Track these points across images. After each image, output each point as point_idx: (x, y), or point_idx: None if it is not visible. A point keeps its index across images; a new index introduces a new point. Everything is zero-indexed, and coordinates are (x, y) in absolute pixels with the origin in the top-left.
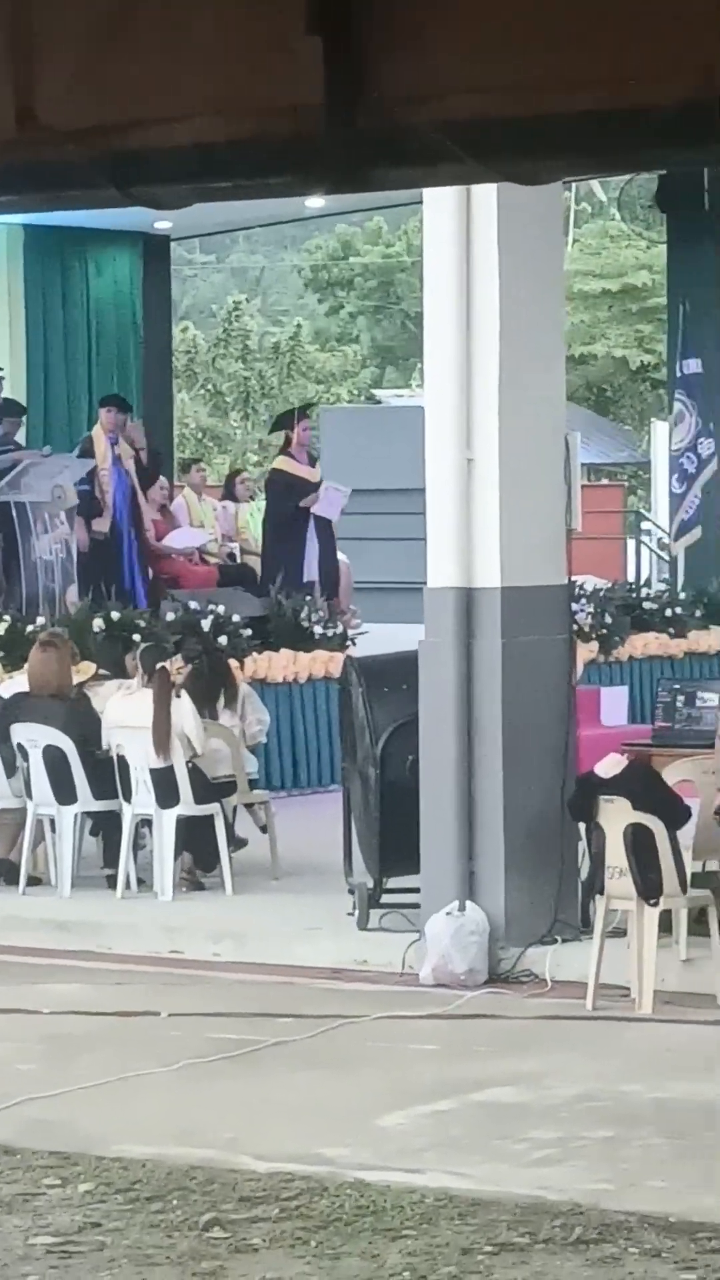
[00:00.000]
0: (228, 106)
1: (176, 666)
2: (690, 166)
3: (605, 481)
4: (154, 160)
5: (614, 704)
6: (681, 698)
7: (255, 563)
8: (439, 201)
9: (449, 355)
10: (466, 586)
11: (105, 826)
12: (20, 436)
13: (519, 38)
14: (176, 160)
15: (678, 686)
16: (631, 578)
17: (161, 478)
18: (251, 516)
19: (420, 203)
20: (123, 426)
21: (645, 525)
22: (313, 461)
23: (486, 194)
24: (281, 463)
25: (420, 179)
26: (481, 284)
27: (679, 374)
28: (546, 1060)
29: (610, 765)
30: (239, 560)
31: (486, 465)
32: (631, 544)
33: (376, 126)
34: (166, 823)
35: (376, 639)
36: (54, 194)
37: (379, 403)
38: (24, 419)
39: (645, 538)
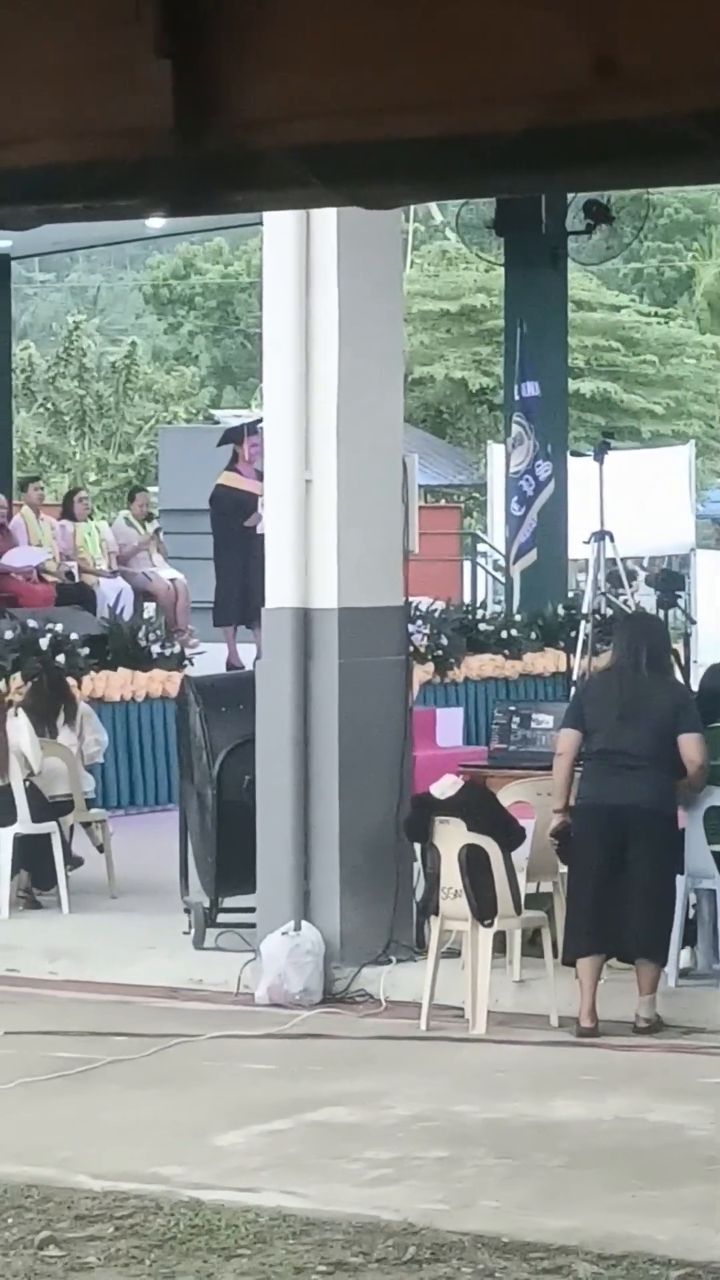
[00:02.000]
0: (75, 129)
1: (15, 685)
2: (534, 192)
3: (442, 503)
4: (6, 181)
5: (449, 725)
6: (517, 719)
7: (92, 581)
8: (279, 222)
9: (288, 375)
10: (304, 607)
11: None
12: None
13: (369, 60)
14: (23, 182)
15: (513, 708)
16: (468, 599)
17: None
18: (90, 535)
19: (261, 223)
20: None
21: (481, 547)
22: (259, 477)
23: (326, 215)
24: (227, 478)
25: (269, 202)
26: (320, 304)
27: (517, 396)
28: (382, 1080)
29: (446, 786)
30: (77, 579)
31: (325, 486)
32: (468, 565)
33: (225, 150)
34: (3, 841)
35: (213, 659)
36: None
37: (217, 423)
38: None
39: (481, 559)
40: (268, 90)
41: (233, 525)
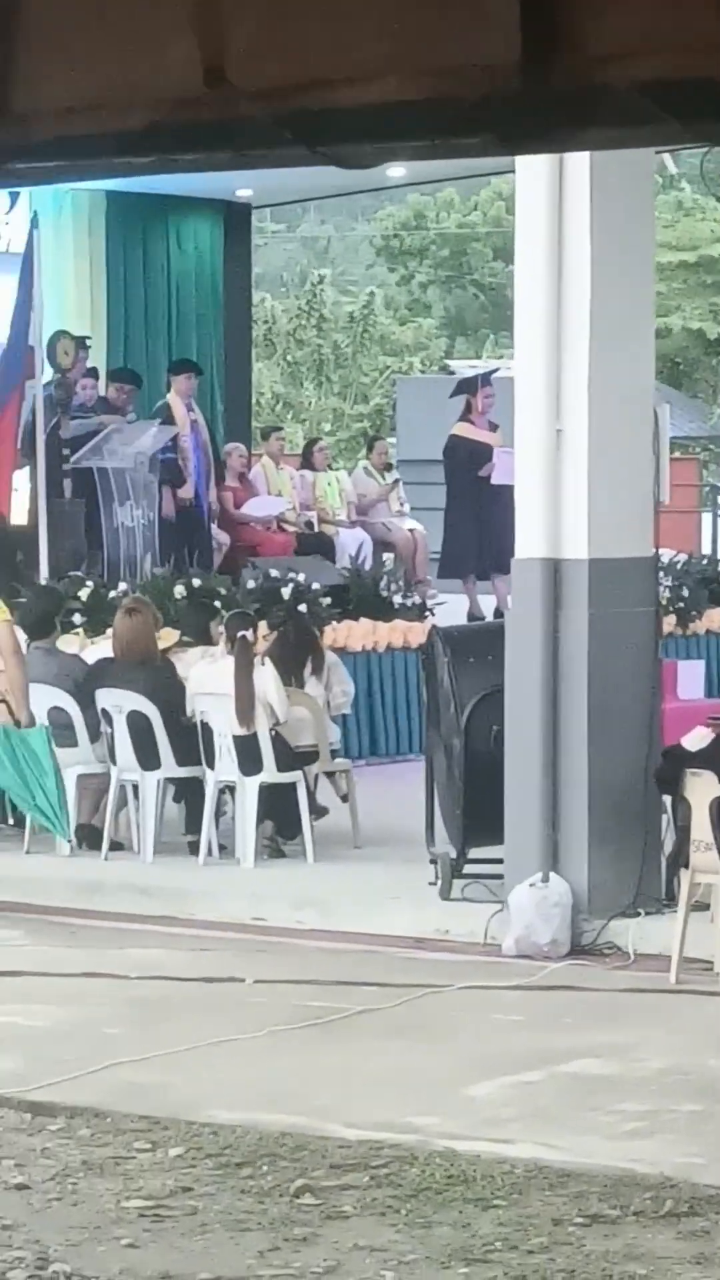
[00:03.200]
0: (419, 65)
1: (263, 634)
2: None
3: (679, 454)
4: (344, 119)
5: (691, 677)
6: None
7: (333, 532)
8: (532, 171)
9: (539, 325)
10: (554, 557)
11: (188, 793)
12: (134, 406)
13: None
14: (364, 119)
15: None
16: (707, 551)
17: (240, 445)
18: (329, 486)
19: (494, 173)
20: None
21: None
22: (492, 428)
23: (579, 163)
24: (460, 429)
25: (616, 140)
26: (572, 255)
27: None
28: (632, 1033)
29: (697, 738)
30: (316, 529)
31: (575, 436)
32: (708, 517)
33: (572, 86)
34: (249, 790)
35: (453, 609)
36: (240, 152)
37: (452, 373)
38: (137, 388)
39: None
40: (615, 24)
41: (467, 476)
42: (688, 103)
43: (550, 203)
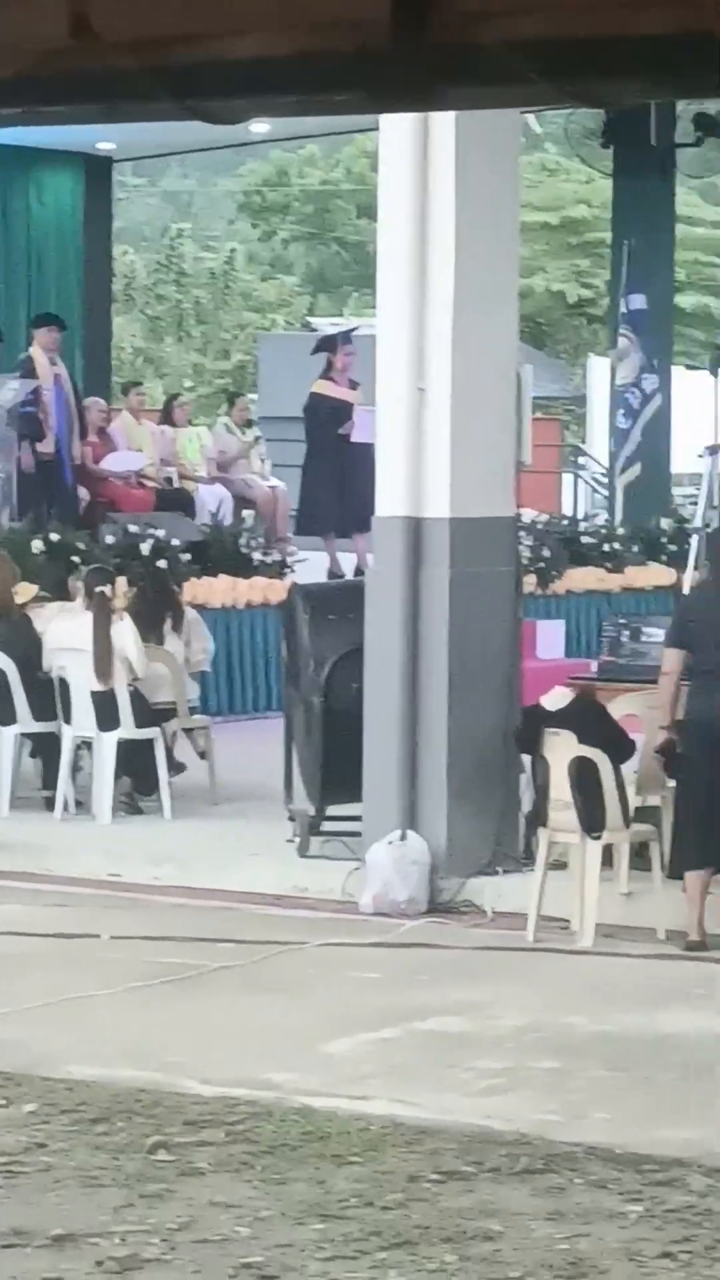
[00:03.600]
0: (290, 20)
1: (122, 590)
2: None
3: (541, 415)
4: (213, 74)
5: (550, 637)
6: (627, 633)
7: (192, 488)
8: (396, 129)
9: (402, 285)
10: (415, 516)
11: (44, 748)
12: None
13: None
14: (235, 75)
15: (623, 621)
16: (568, 511)
17: (99, 400)
18: (190, 442)
19: (357, 130)
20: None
21: (581, 460)
22: (353, 386)
23: (444, 123)
24: (321, 386)
25: (487, 99)
26: (436, 214)
27: (624, 309)
28: (489, 990)
29: (557, 698)
30: (176, 485)
31: (438, 395)
32: (568, 478)
33: (445, 43)
34: (106, 745)
35: (314, 566)
36: (108, 105)
37: (314, 330)
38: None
39: (582, 472)
40: None
41: (327, 433)
42: (560, 63)
43: (415, 161)
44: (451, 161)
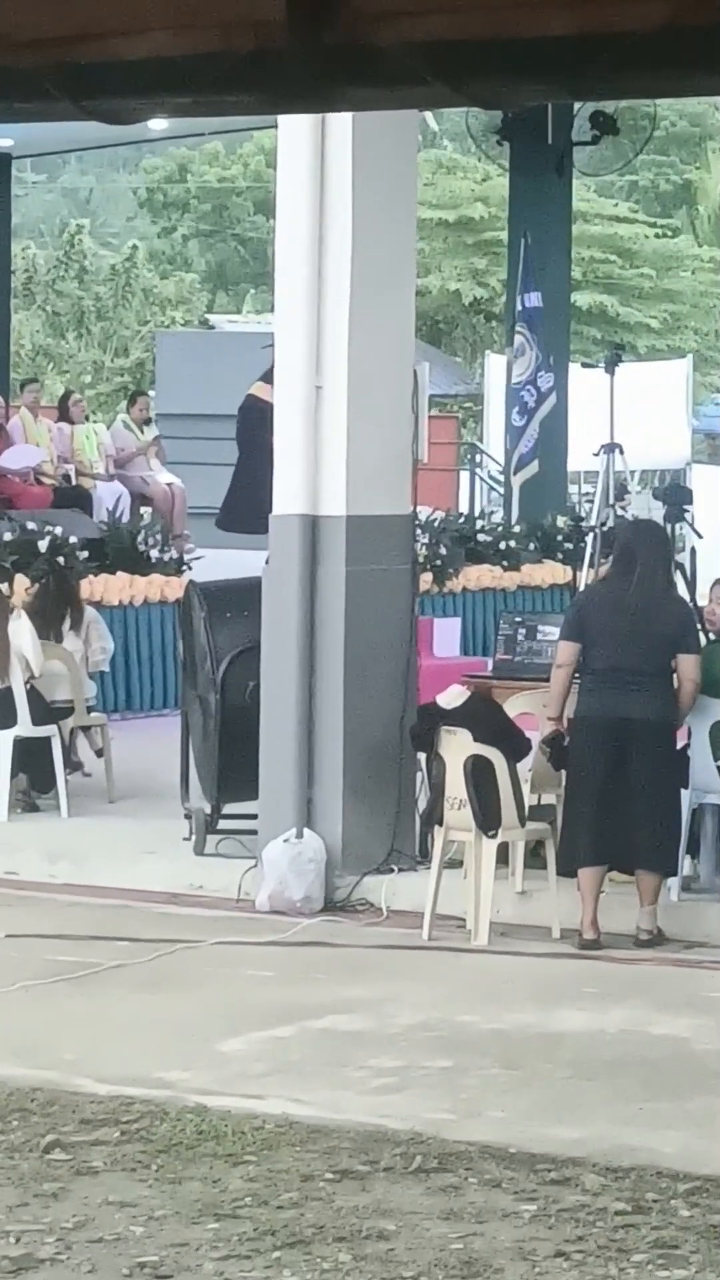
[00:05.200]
0: (186, 20)
1: (23, 587)
2: (669, 95)
3: (438, 413)
4: (110, 74)
5: (447, 635)
6: (523, 631)
7: (90, 485)
8: (294, 126)
9: (300, 282)
10: (312, 514)
11: None
12: None
13: None
14: (131, 75)
15: (519, 619)
16: (465, 509)
17: None
18: (88, 439)
19: (256, 128)
20: None
21: (479, 458)
22: None
23: (342, 120)
24: (257, 389)
25: (387, 100)
26: (334, 212)
27: (520, 307)
28: (384, 988)
29: (452, 696)
30: (74, 482)
31: (335, 393)
32: (465, 476)
33: (343, 44)
34: (3, 743)
35: (210, 564)
36: (4, 104)
37: (213, 327)
38: None
39: (479, 470)
40: None
41: (256, 438)
42: (456, 65)
43: (312, 158)
44: (348, 159)
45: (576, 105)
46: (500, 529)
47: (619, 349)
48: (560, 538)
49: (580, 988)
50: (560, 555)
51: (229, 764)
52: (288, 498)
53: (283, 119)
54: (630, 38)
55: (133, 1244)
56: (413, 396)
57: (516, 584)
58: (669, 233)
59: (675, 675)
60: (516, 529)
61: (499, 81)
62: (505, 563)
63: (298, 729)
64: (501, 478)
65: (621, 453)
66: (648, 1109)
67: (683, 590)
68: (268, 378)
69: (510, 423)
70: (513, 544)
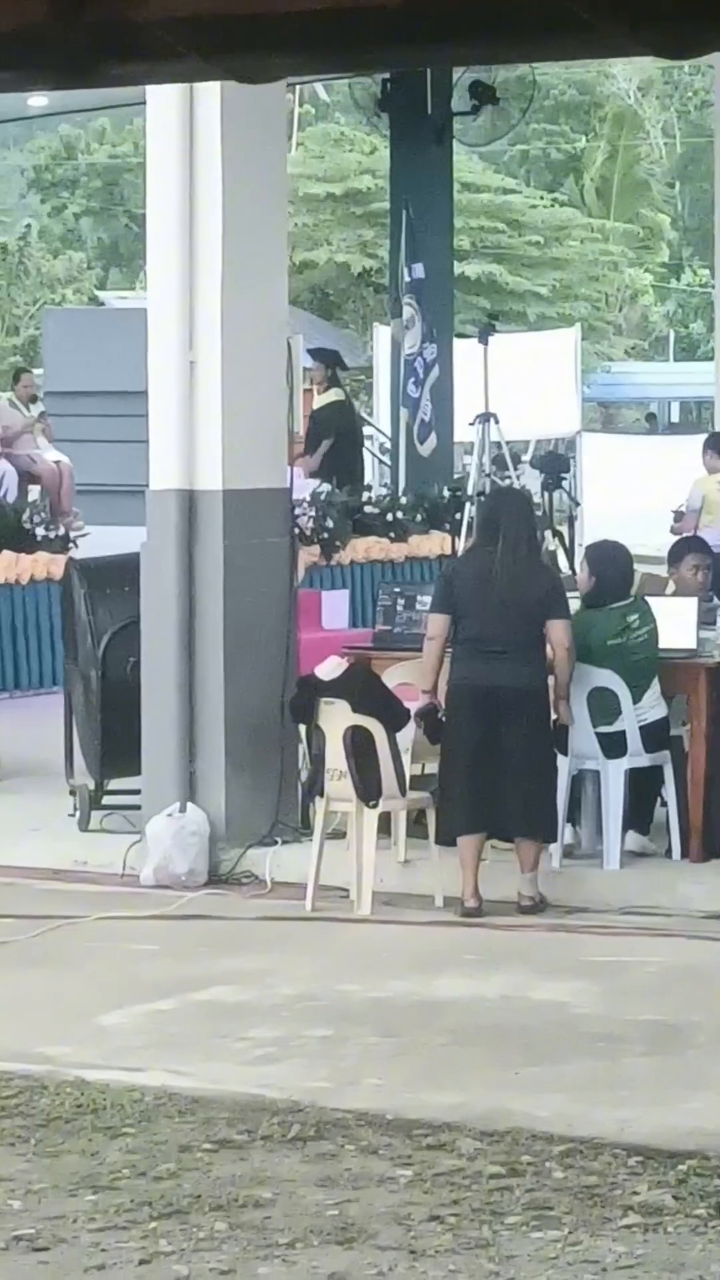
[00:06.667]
0: None
1: None
2: (416, 66)
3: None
4: None
5: (335, 607)
6: (401, 601)
7: None
8: (162, 102)
9: (172, 257)
10: (188, 489)
11: None
12: None
13: None
14: None
15: (398, 590)
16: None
17: None
18: None
19: (143, 103)
20: None
21: (367, 430)
22: None
23: (210, 95)
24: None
25: (148, 76)
26: (204, 185)
27: (407, 278)
28: (267, 960)
29: (330, 668)
30: None
31: (209, 368)
32: None
33: (104, 21)
34: None
35: (98, 541)
36: None
37: (102, 304)
38: None
39: (367, 442)
40: None
41: None
42: (213, 40)
43: (181, 134)
44: (218, 134)
45: (455, 76)
46: (387, 500)
47: (493, 319)
48: (446, 508)
49: (462, 955)
50: (447, 526)
51: (112, 740)
52: (164, 473)
53: (150, 96)
54: (380, 12)
55: (9, 1218)
56: (287, 369)
57: (405, 555)
58: (558, 202)
59: (547, 643)
60: (403, 500)
61: (254, 55)
62: (392, 534)
63: (179, 704)
64: (389, 450)
65: (497, 422)
66: (526, 1074)
67: (562, 559)
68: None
69: (407, 394)
70: (400, 515)
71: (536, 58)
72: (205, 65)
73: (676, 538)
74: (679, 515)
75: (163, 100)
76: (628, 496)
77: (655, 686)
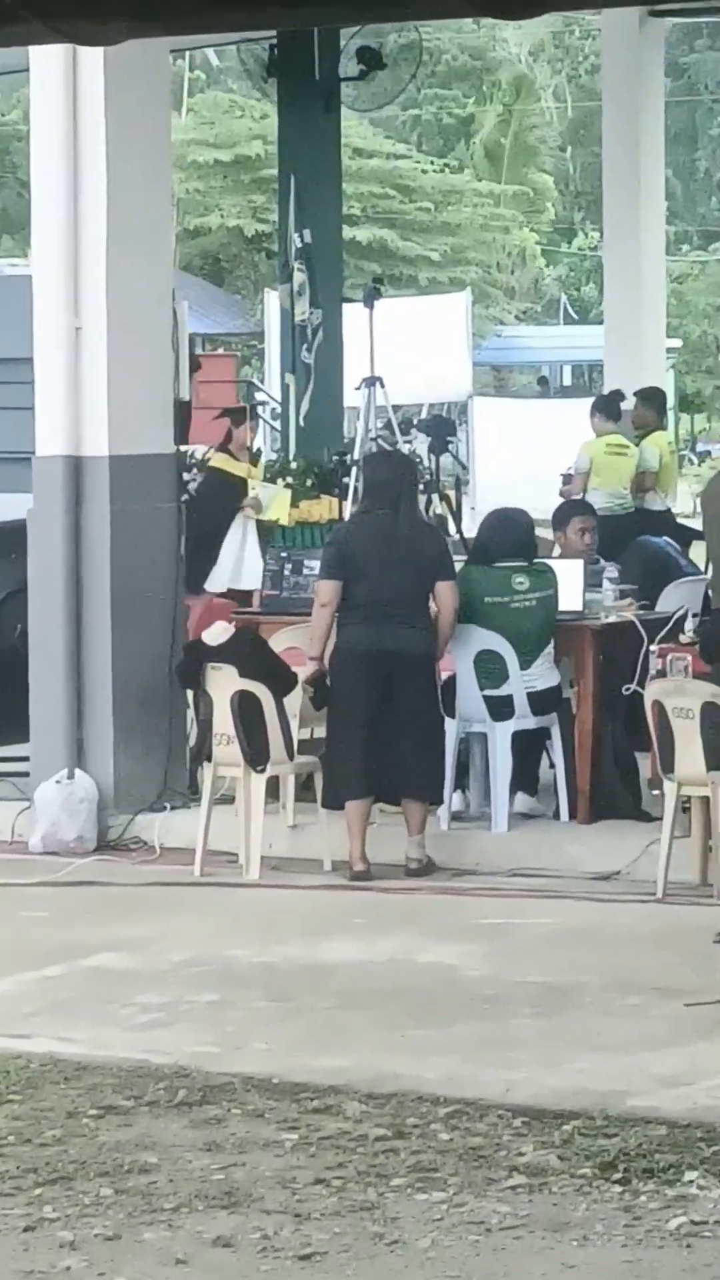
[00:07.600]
0: None
1: None
2: (256, 28)
3: (220, 351)
4: None
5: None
6: (289, 566)
7: None
8: (45, 68)
9: (56, 224)
10: (75, 455)
11: None
12: None
13: None
14: None
15: (285, 554)
16: None
17: None
18: None
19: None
20: None
21: (259, 396)
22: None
23: (93, 61)
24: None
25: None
26: (88, 152)
27: (299, 244)
28: (155, 926)
29: (217, 633)
30: None
31: (94, 334)
32: None
33: None
34: None
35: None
36: None
37: None
38: None
39: (259, 408)
40: None
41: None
42: (48, 3)
43: (64, 99)
44: (101, 99)
45: (343, 39)
46: (278, 465)
47: (379, 283)
48: (334, 473)
49: (350, 919)
50: (336, 491)
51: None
52: (50, 439)
53: (33, 61)
54: None
55: None
56: (173, 335)
57: (295, 520)
58: (449, 167)
59: (432, 604)
60: (294, 465)
61: (87, 19)
62: None
63: (66, 670)
64: (278, 415)
65: (383, 386)
66: (412, 1036)
67: (450, 523)
68: (224, 448)
69: (299, 360)
70: (290, 481)
71: (364, 19)
72: (44, 29)
73: (564, 500)
74: (567, 478)
75: (46, 67)
76: (520, 460)
77: (548, 654)
